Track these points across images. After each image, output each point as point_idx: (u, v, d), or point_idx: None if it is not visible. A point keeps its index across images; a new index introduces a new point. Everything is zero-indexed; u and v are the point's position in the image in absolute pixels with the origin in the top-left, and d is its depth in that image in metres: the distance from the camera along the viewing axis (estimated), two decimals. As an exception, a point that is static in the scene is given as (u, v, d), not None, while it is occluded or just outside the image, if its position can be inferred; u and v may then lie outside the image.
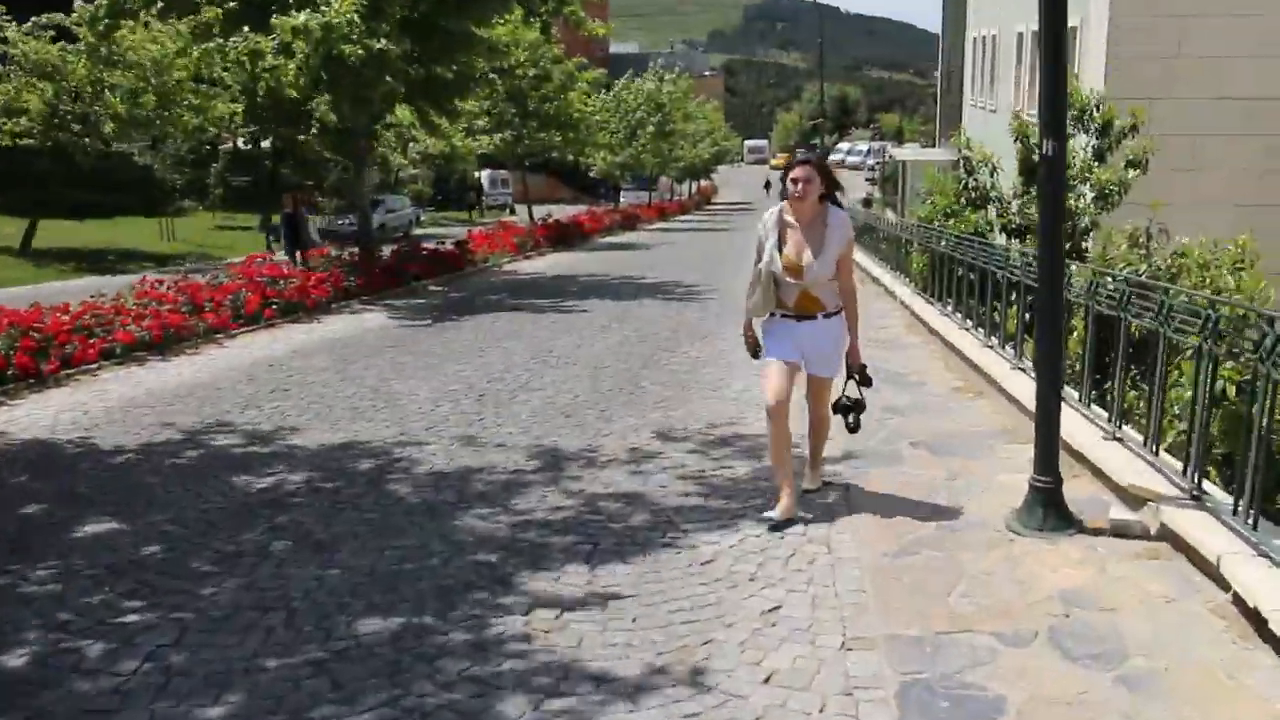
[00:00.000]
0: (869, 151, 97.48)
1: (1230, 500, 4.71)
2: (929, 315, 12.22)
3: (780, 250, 5.57)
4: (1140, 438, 5.78)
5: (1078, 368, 7.48)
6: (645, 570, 5.00)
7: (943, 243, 12.19)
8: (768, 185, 78.60)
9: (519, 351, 11.56)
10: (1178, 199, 13.09)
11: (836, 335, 5.76)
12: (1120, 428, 6.07)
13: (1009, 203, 13.32)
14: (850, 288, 5.76)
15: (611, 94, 45.35)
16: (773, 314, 5.72)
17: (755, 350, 5.88)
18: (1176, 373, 5.90)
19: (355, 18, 14.35)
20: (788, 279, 5.56)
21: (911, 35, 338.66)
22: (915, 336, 12.17)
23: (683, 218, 51.44)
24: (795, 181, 5.43)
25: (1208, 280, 8.75)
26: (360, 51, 14.54)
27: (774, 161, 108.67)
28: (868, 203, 55.19)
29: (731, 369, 10.11)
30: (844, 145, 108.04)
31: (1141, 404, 6.38)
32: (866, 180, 75.90)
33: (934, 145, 38.53)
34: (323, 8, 14.45)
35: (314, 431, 8.04)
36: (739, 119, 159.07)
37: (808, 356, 5.70)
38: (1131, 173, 12.12)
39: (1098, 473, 5.81)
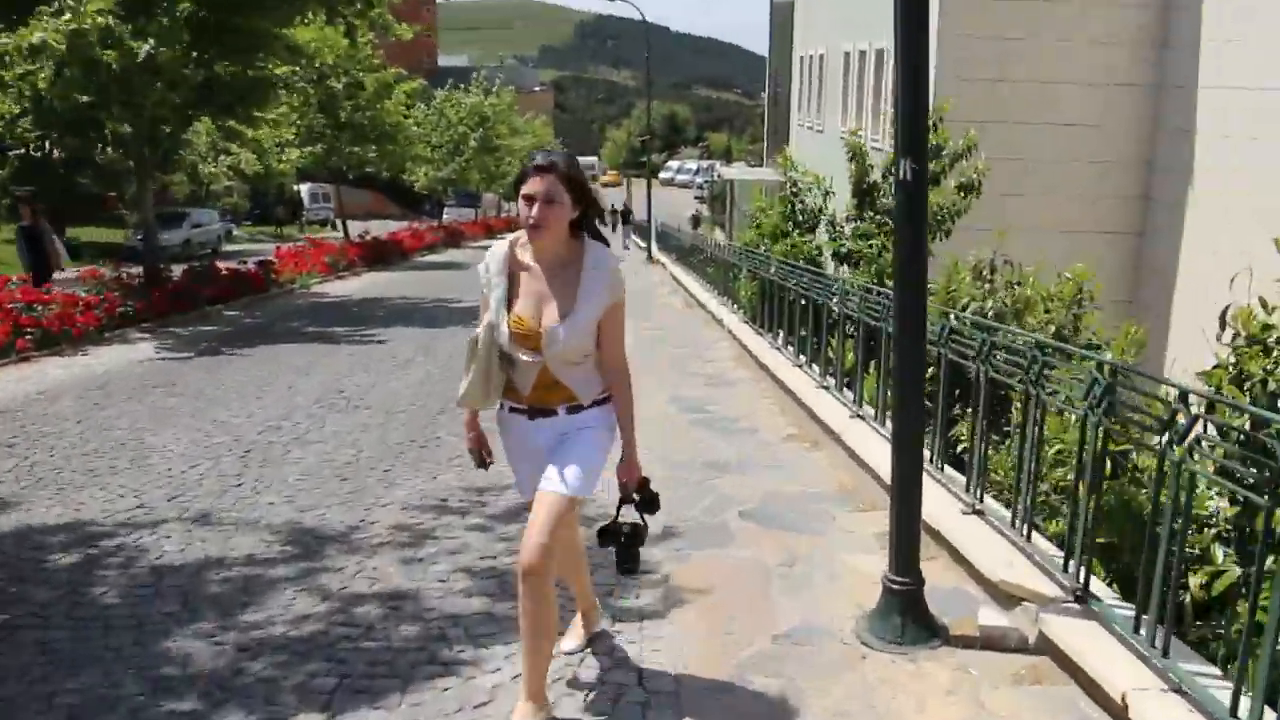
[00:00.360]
0: (698, 170, 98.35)
1: (1127, 611, 3.81)
2: (759, 347, 11.37)
3: (509, 308, 3.60)
4: (1007, 514, 4.88)
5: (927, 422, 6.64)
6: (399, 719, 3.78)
7: (771, 269, 11.36)
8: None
9: (305, 391, 10.12)
10: (1008, 225, 12.66)
11: (592, 439, 3.67)
12: (981, 499, 5.18)
13: (840, 226, 12.64)
14: (619, 365, 3.80)
15: (433, 106, 43.69)
16: (502, 405, 3.75)
17: (481, 461, 3.96)
18: (1052, 438, 5.03)
19: (111, 21, 12.60)
20: (520, 353, 3.58)
21: (739, 55, 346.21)
22: (744, 370, 11.28)
23: (510, 235, 50.05)
24: (530, 201, 3.41)
25: (1052, 318, 8.11)
26: (119, 58, 12.82)
27: (603, 178, 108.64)
28: (696, 221, 55.09)
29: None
30: (673, 163, 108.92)
31: (1006, 469, 5.51)
32: (695, 199, 76.34)
33: (762, 164, 38.43)
34: (67, 13, 12.59)
35: (26, 506, 6.47)
36: (570, 135, 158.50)
37: (545, 465, 3.61)
38: (964, 198, 11.57)
39: (958, 557, 4.88)
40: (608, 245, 3.80)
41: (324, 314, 17.46)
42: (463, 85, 43.62)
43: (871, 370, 7.61)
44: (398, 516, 6.19)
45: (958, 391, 6.29)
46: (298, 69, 20.17)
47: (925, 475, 4.97)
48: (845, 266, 12.41)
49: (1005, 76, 16.82)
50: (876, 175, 12.46)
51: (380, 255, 29.23)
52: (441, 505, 6.41)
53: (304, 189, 52.10)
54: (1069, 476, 4.60)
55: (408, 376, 10.90)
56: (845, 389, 8.16)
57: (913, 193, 4.11)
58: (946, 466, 5.83)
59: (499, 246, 3.65)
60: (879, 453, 6.47)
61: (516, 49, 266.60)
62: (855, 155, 12.33)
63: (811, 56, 28.01)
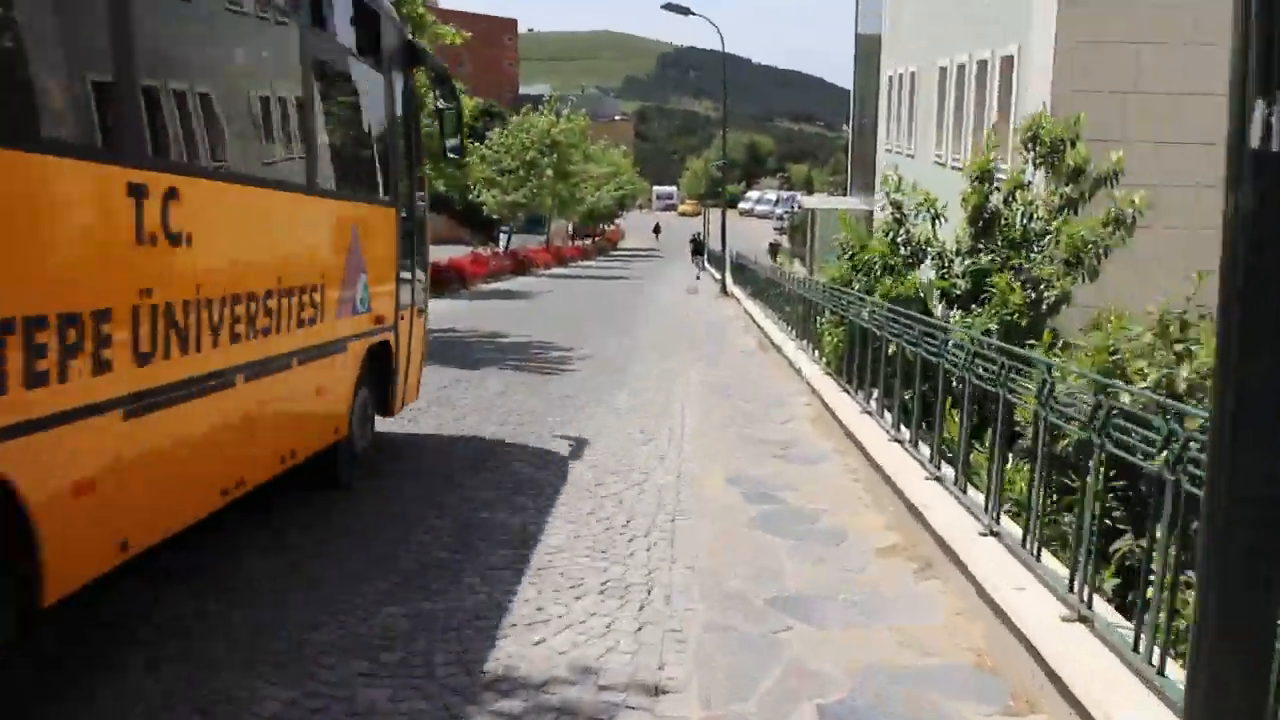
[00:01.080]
0: (778, 200, 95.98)
1: None
2: (845, 410, 9.12)
3: None
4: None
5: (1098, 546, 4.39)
6: None
7: (865, 313, 9.13)
8: (657, 229, 77.07)
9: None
10: (1131, 260, 10.24)
11: None
12: None
13: (950, 260, 10.36)
14: None
15: (506, 130, 42.12)
16: None
17: None
18: None
19: None
20: None
21: (822, 88, 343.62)
22: (826, 439, 9.04)
23: (583, 263, 48.30)
24: None
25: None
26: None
27: (681, 208, 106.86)
28: (774, 251, 52.73)
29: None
30: (753, 193, 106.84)
31: None
32: (775, 229, 74.03)
33: (845, 194, 36.11)
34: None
35: None
36: (651, 165, 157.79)
37: None
38: (1112, 233, 9.26)
39: None
40: None
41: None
42: (536, 108, 42.01)
43: (1022, 470, 5.38)
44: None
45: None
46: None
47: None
48: (955, 310, 10.13)
49: (1133, 88, 14.39)
50: (998, 200, 10.17)
51: (436, 282, 27.39)
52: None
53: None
54: None
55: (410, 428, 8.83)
56: (967, 487, 5.91)
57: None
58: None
59: None
60: (1033, 604, 4.27)
61: (600, 80, 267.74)
62: (978, 177, 10.07)
63: (900, 76, 25.71)
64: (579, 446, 8.51)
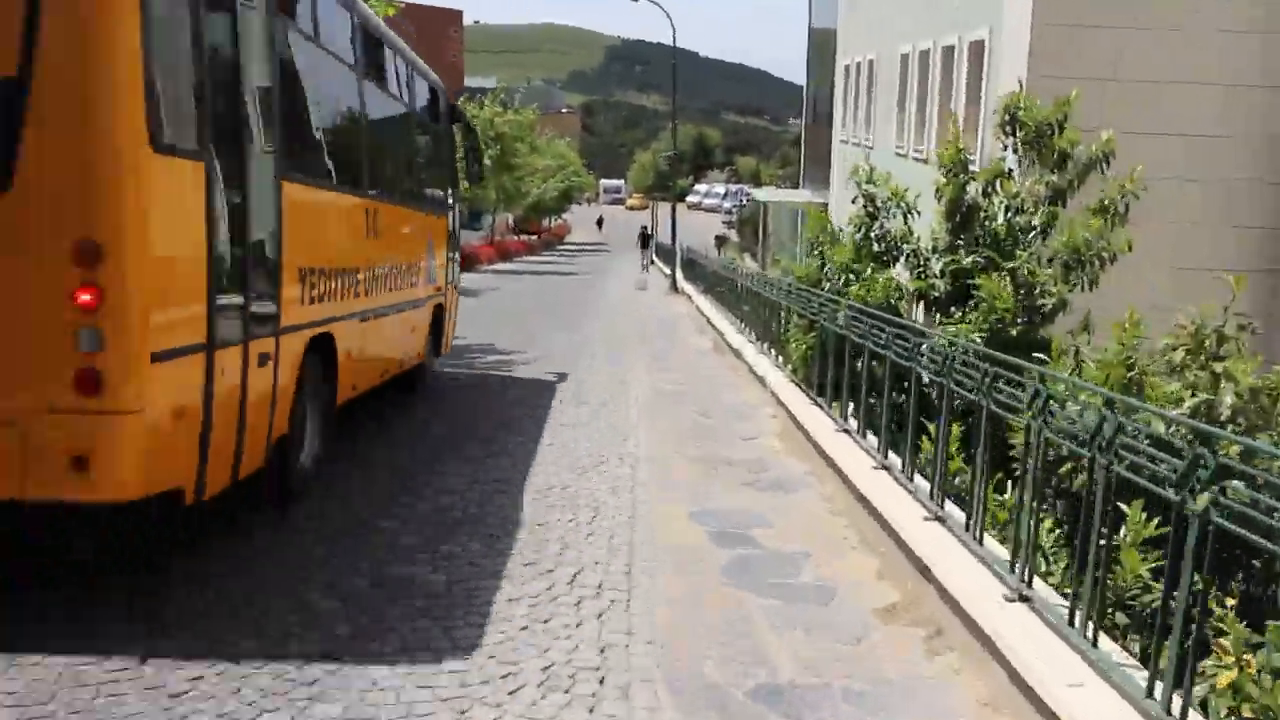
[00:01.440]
0: (726, 194, 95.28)
1: None
2: (817, 427, 8.15)
3: None
4: None
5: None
6: None
7: (839, 318, 8.17)
8: (600, 222, 76.36)
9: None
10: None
11: None
12: None
13: (926, 258, 9.42)
14: None
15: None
16: None
17: None
18: None
19: None
20: None
21: (768, 82, 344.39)
22: (799, 461, 8.06)
23: (528, 258, 47.01)
24: None
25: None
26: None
27: (629, 202, 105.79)
28: (720, 243, 51.78)
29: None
30: (701, 187, 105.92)
31: None
32: (724, 223, 73.27)
33: (797, 187, 35.26)
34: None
35: None
36: (598, 158, 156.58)
37: None
38: (1107, 226, 8.39)
39: None
40: None
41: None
42: (478, 98, 40.53)
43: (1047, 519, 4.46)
44: None
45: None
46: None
47: None
48: (933, 312, 9.21)
49: (1110, 75, 13.59)
50: (976, 192, 9.25)
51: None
52: None
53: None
54: None
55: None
56: (970, 521, 4.95)
57: None
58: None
59: None
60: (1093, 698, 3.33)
61: (546, 72, 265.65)
62: (951, 169, 9.14)
63: (858, 65, 24.85)
64: (517, 472, 7.45)
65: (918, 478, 6.12)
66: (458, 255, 12.34)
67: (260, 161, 5.41)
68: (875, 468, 6.68)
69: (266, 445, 5.64)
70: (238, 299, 5.13)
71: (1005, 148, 9.29)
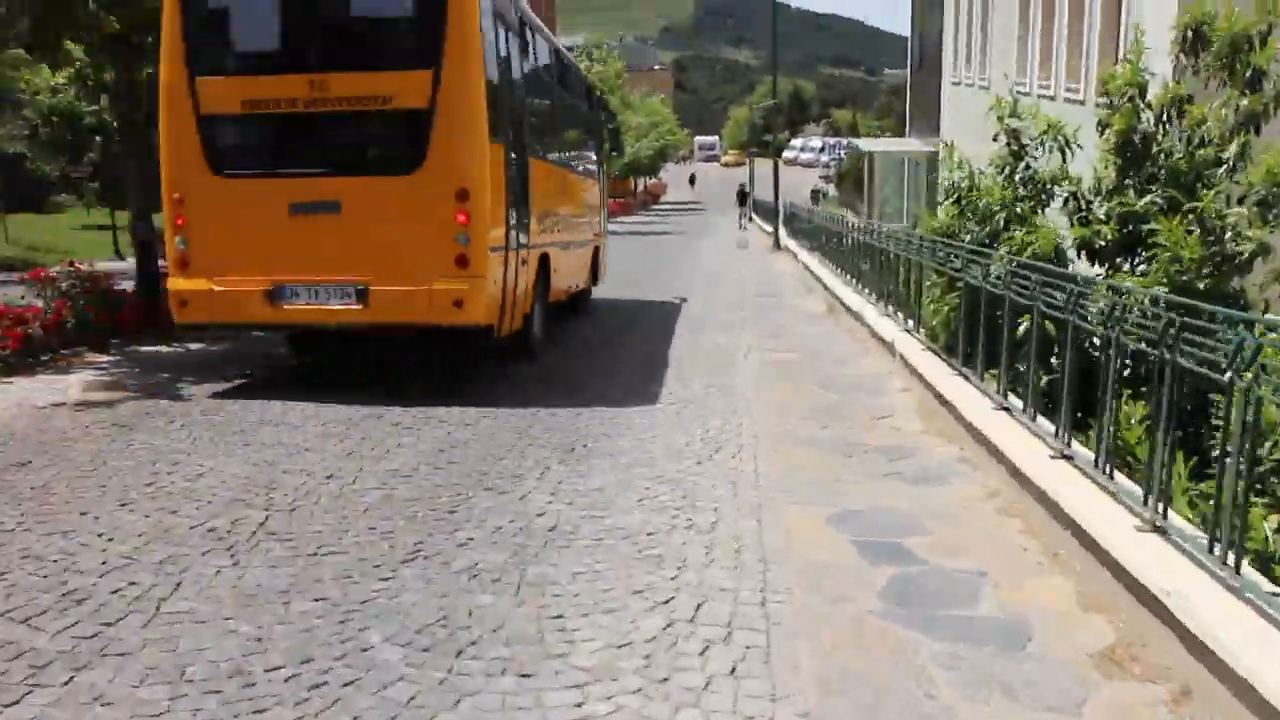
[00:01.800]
0: (823, 148, 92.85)
1: None
2: (967, 404, 6.94)
3: None
4: None
5: None
6: None
7: (992, 273, 6.93)
8: (692, 180, 74.62)
9: (235, 487, 6.16)
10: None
11: None
12: None
13: (1088, 201, 8.09)
14: None
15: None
16: None
17: None
18: None
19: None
20: None
21: (860, 31, 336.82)
22: (947, 445, 6.87)
23: (625, 219, 45.95)
24: None
25: None
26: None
27: (724, 159, 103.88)
28: (815, 197, 49.95)
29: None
30: (797, 141, 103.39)
31: None
32: (820, 177, 71.25)
33: (903, 135, 33.44)
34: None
35: None
36: (691, 115, 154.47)
37: None
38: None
39: None
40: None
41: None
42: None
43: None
44: None
45: None
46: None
47: None
48: (1097, 263, 7.88)
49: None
50: (1148, 120, 7.86)
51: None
52: None
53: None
54: None
55: (411, 449, 6.82)
56: (1213, 542, 3.75)
57: None
58: None
59: None
60: None
61: (637, 30, 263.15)
62: (1125, 94, 7.76)
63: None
64: (616, 463, 6.42)
65: (1120, 475, 4.90)
66: (606, 210, 16.95)
67: (523, 147, 9.71)
68: (1054, 456, 5.48)
69: (522, 314, 9.64)
70: (514, 225, 9.17)
71: (1185, 68, 7.86)
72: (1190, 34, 7.84)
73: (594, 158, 15.50)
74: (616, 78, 41.29)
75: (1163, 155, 7.81)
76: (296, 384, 9.26)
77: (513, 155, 9.06)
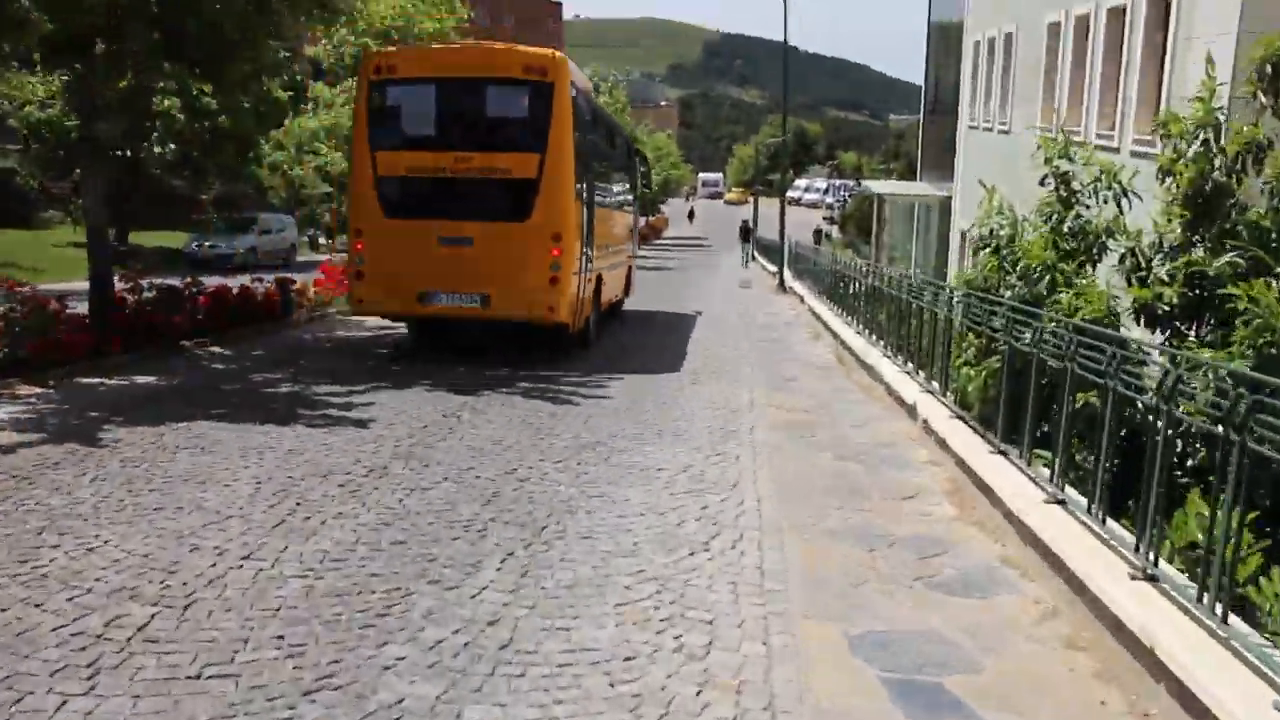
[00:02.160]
0: (827, 189, 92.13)
1: None
2: (1009, 488, 5.88)
3: None
4: None
5: None
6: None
7: (1045, 338, 5.89)
8: (691, 215, 74.45)
9: (137, 554, 5.09)
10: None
11: None
12: None
13: (1147, 259, 7.06)
14: None
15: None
16: None
17: None
18: None
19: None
20: None
21: (868, 77, 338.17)
22: (987, 539, 5.79)
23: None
24: None
25: None
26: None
27: (728, 196, 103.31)
28: (818, 236, 48.96)
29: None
30: (801, 182, 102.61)
31: None
32: (824, 218, 70.48)
33: (915, 178, 32.53)
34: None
35: None
36: (696, 152, 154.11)
37: None
38: None
39: None
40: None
41: (332, 359, 12.52)
42: (572, 85, 38.66)
43: None
44: None
45: None
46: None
47: None
48: (1158, 329, 6.85)
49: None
50: (1221, 168, 6.83)
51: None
52: None
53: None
54: None
55: (352, 520, 5.74)
56: None
57: None
58: None
59: None
60: None
61: (644, 66, 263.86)
62: (1197, 136, 6.75)
63: (992, 40, 22.23)
64: (585, 566, 5.34)
65: (1234, 618, 3.83)
66: (637, 236, 21.87)
67: (592, 201, 13.19)
68: (1135, 576, 4.41)
69: (585, 317, 13.15)
70: (584, 256, 12.59)
71: (1264, 110, 6.86)
72: (1270, 69, 6.86)
73: (631, 197, 19.58)
74: (621, 110, 40.37)
75: (1235, 209, 6.80)
76: (254, 417, 8.20)
77: (585, 208, 12.91)
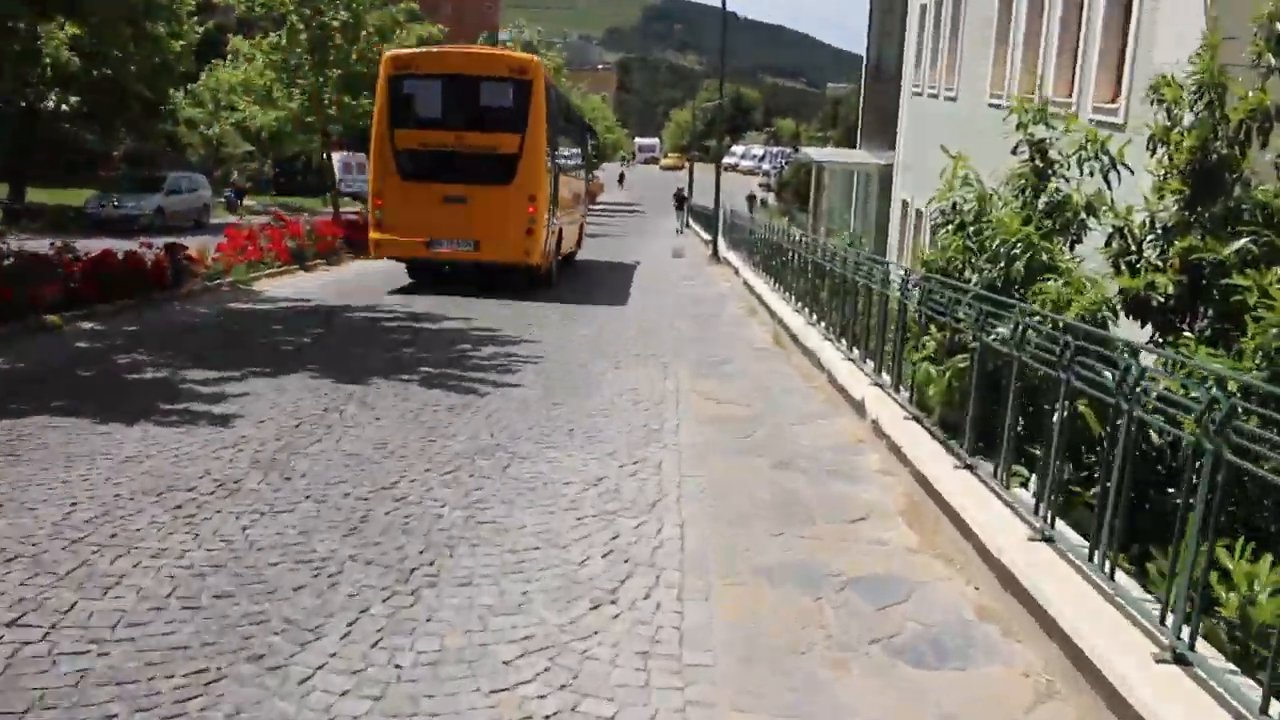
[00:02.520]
0: (764, 155, 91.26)
1: None
2: (982, 516, 4.87)
3: None
4: None
5: None
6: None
7: (1028, 337, 4.87)
8: (621, 179, 73.44)
9: None
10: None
11: None
12: None
13: (1137, 241, 6.08)
14: None
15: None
16: None
17: None
18: None
19: None
20: None
21: (808, 45, 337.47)
22: (955, 578, 4.78)
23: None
24: None
25: None
26: None
27: (663, 161, 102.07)
28: (751, 203, 47.80)
29: None
30: (738, 148, 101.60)
31: None
32: (760, 185, 69.59)
33: (854, 147, 31.58)
34: None
35: None
36: (634, 117, 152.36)
37: None
38: None
39: None
40: None
41: (216, 337, 11.21)
42: (503, 42, 37.03)
43: None
44: None
45: None
46: None
47: None
48: (1147, 320, 5.88)
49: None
50: (1223, 140, 5.85)
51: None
52: None
53: (336, 158, 45.30)
54: None
55: (180, 556, 4.57)
56: None
57: None
58: None
59: None
60: None
61: (582, 29, 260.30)
62: (1202, 98, 5.75)
63: (939, 1, 21.27)
64: (457, 631, 4.23)
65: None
66: (586, 198, 26.81)
67: (557, 169, 17.49)
68: (1161, 658, 3.40)
69: (550, 261, 17.06)
70: (551, 212, 16.55)
71: (1270, 72, 5.88)
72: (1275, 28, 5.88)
73: (583, 164, 24.86)
74: (557, 72, 38.85)
75: (1238, 185, 5.83)
76: (98, 412, 6.93)
77: (553, 175, 16.61)
